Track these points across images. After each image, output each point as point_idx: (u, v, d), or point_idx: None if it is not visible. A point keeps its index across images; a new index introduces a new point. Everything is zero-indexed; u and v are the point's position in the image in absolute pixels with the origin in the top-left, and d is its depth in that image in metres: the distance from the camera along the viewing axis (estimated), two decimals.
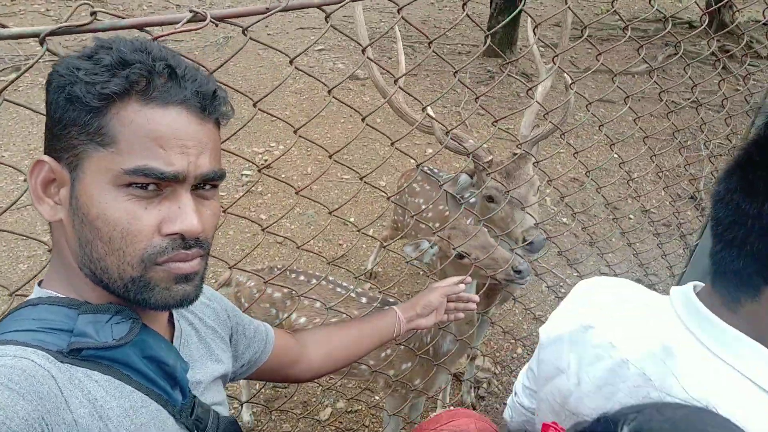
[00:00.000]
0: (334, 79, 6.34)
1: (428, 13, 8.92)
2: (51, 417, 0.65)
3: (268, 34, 7.46)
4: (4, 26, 0.70)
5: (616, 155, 2.45)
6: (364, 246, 4.06)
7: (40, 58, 0.76)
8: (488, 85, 6.50)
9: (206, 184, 0.81)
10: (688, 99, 5.98)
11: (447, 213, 2.73)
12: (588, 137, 5.67)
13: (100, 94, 0.70)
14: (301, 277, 2.41)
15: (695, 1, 3.61)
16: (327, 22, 1.06)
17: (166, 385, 0.84)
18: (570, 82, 1.95)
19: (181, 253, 0.77)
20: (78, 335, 0.74)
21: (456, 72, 1.54)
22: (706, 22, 2.15)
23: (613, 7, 1.74)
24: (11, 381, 0.63)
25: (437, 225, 2.76)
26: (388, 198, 1.76)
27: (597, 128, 5.79)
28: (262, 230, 1.45)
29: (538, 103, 2.01)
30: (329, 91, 1.32)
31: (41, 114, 0.78)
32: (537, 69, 2.15)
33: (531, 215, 2.00)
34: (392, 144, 1.53)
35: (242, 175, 4.66)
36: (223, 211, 1.35)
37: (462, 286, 1.59)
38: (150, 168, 0.72)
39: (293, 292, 2.29)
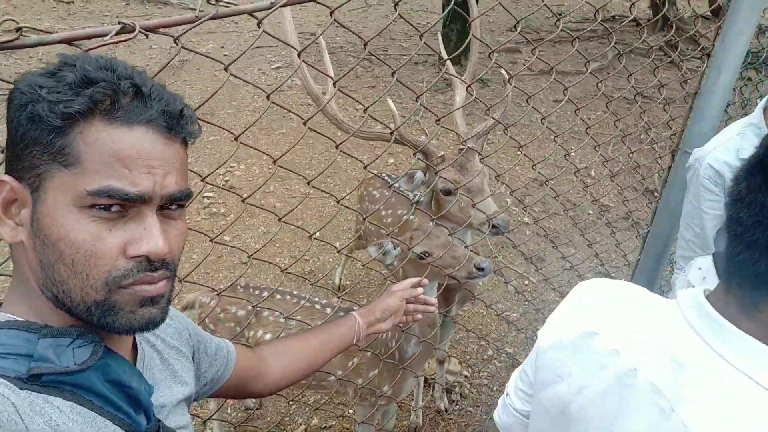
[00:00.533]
0: (291, 96, 6.36)
1: (382, 25, 9.01)
2: None
3: (225, 55, 7.45)
4: None
5: (560, 147, 2.50)
6: (330, 260, 4.07)
7: None
8: (445, 93, 6.60)
9: (172, 204, 0.79)
10: (637, 93, 6.16)
11: (406, 218, 2.76)
12: (545, 137, 5.79)
13: (63, 113, 0.68)
14: (264, 293, 2.40)
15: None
16: (259, 28, 1.08)
17: (130, 409, 0.81)
18: (508, 77, 2.02)
19: (146, 276, 0.75)
20: (38, 360, 0.71)
21: (394, 72, 1.55)
22: (654, 19, 2.24)
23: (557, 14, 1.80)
24: None
25: (397, 230, 2.79)
26: (338, 201, 1.76)
27: (552, 126, 5.92)
28: (249, 257, 1.44)
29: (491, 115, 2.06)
30: (268, 96, 1.30)
31: None
32: (452, 81, 2.24)
33: (491, 202, 2.08)
34: (337, 146, 1.52)
35: (204, 197, 4.63)
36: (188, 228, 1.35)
37: (420, 288, 1.61)
38: (114, 189, 0.70)
39: (257, 309, 2.31)
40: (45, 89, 0.68)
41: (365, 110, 1.63)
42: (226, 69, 1.13)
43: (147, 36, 0.91)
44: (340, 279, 3.84)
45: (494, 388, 3.21)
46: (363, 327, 1.51)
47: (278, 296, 2.38)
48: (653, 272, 2.64)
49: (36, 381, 0.70)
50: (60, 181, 0.70)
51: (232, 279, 3.83)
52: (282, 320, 2.30)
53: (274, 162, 1.40)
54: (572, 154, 2.92)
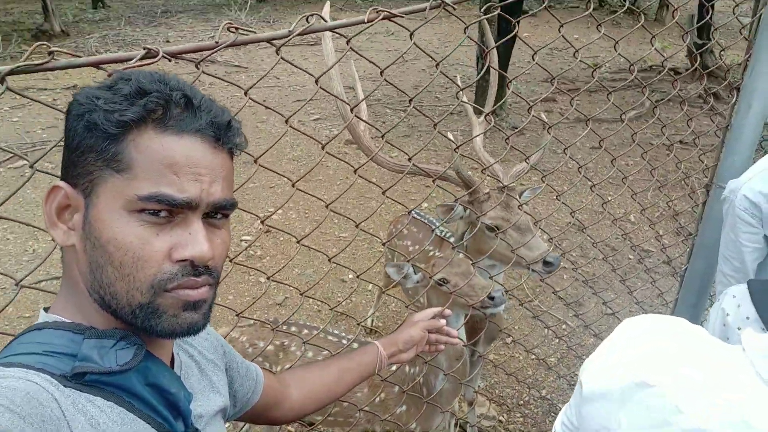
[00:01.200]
0: (330, 146, 6.54)
1: (420, 79, 9.26)
2: None
3: (266, 107, 7.75)
4: None
5: (597, 195, 2.52)
6: (363, 302, 4.07)
7: (1, 94, 0.82)
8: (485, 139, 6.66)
9: (218, 212, 0.81)
10: (680, 140, 6.10)
11: (430, 254, 2.77)
12: (582, 183, 5.74)
13: (118, 121, 0.72)
14: (293, 328, 2.42)
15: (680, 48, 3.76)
16: (278, 54, 1.10)
17: (168, 414, 0.82)
18: (547, 127, 2.07)
19: (190, 280, 0.77)
20: (82, 360, 0.73)
21: (435, 124, 1.63)
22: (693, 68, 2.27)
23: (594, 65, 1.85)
24: (14, 403, 0.63)
25: (423, 266, 2.79)
26: (384, 243, 1.82)
27: (590, 172, 5.87)
28: (268, 278, 1.49)
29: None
30: (323, 147, 1.39)
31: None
32: (471, 124, 2.29)
33: (540, 239, 2.09)
34: (383, 192, 1.58)
35: (241, 240, 4.74)
36: (230, 260, 1.38)
37: (443, 320, 1.61)
38: (163, 194, 0.73)
39: (284, 344, 2.33)
40: (102, 100, 0.73)
41: (410, 159, 1.73)
42: (286, 121, 1.25)
43: (170, 60, 0.95)
44: (372, 320, 3.82)
45: None
46: (385, 357, 1.50)
47: (305, 331, 2.40)
48: (694, 309, 2.55)
49: (79, 380, 0.72)
50: (112, 186, 0.74)
51: (266, 318, 3.87)
52: (310, 355, 2.31)
53: (327, 206, 1.47)
54: (610, 200, 2.91)
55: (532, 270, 2.07)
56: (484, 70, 1.64)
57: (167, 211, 0.75)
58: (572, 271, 4.38)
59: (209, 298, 0.82)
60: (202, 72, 1.03)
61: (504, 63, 6.99)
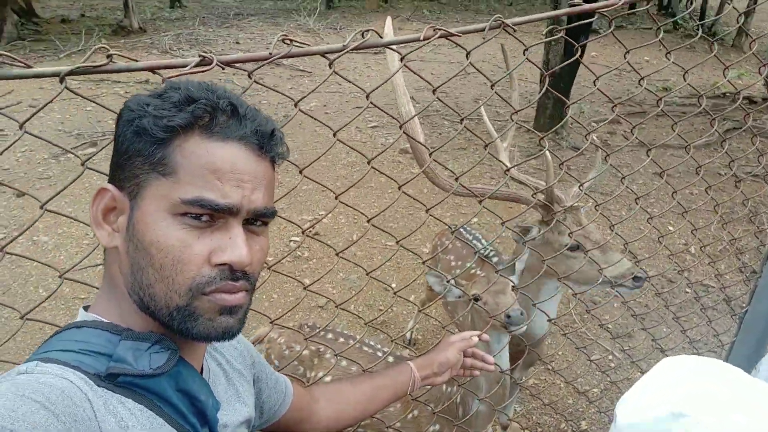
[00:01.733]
0: (385, 154, 6.56)
1: (481, 92, 9.18)
2: None
3: (326, 113, 7.87)
4: (29, 66, 0.80)
5: (654, 228, 2.42)
6: (404, 312, 4.05)
7: (58, 95, 0.86)
8: (538, 159, 6.53)
9: (257, 219, 0.83)
10: (750, 173, 5.79)
11: (472, 271, 2.72)
12: (641, 212, 5.53)
13: (165, 126, 0.75)
14: (329, 335, 2.43)
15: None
16: (330, 68, 1.11)
17: (196, 421, 0.82)
18: (604, 155, 2.01)
19: (228, 284, 0.78)
20: (117, 360, 0.74)
21: (486, 146, 1.61)
22: None
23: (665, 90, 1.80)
24: (48, 400, 0.64)
25: (464, 282, 2.74)
26: (423, 262, 1.81)
27: (651, 198, 5.66)
28: (304, 288, 1.50)
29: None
30: (369, 162, 1.40)
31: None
32: (498, 151, 2.23)
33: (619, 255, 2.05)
34: (427, 210, 1.58)
35: (290, 241, 4.81)
36: (268, 267, 1.41)
37: (475, 339, 1.57)
38: (206, 199, 0.75)
39: (320, 350, 2.33)
40: (151, 106, 0.76)
41: (457, 179, 1.68)
42: (334, 135, 1.29)
43: (223, 69, 0.97)
44: (412, 333, 3.79)
45: None
46: (418, 379, 1.47)
47: (341, 339, 2.40)
48: (753, 353, 2.40)
49: (113, 380, 0.74)
50: (157, 189, 0.76)
51: (305, 321, 3.90)
52: (344, 364, 2.31)
53: (369, 221, 1.47)
54: (671, 231, 2.78)
55: (620, 286, 2.01)
56: (543, 90, 1.60)
57: (209, 215, 0.76)
58: (623, 302, 4.22)
59: (245, 304, 0.83)
60: (255, 82, 1.05)
61: (568, 82, 6.84)
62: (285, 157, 0.88)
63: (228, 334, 0.81)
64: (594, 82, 1.72)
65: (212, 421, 0.85)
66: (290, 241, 4.82)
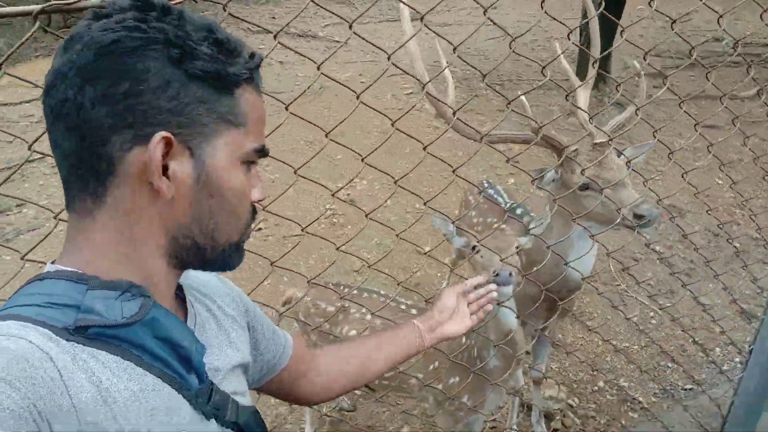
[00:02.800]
0: (419, 118, 6.49)
1: (520, 52, 8.90)
2: (44, 403, 0.61)
3: (361, 83, 7.83)
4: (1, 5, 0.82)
5: (724, 177, 2.30)
6: (438, 274, 4.04)
7: (32, 35, 0.86)
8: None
9: None
10: None
11: (496, 226, 2.68)
12: (688, 164, 5.30)
13: (236, 78, 0.77)
14: (354, 291, 2.45)
15: None
16: (388, 60, 1.14)
17: (181, 367, 0.78)
18: (637, 108, 1.93)
19: (255, 216, 0.88)
20: (85, 311, 0.70)
21: (509, 102, 1.59)
22: None
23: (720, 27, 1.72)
24: (1, 368, 0.60)
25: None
26: (453, 222, 1.79)
27: (696, 155, 5.40)
28: (337, 249, 1.54)
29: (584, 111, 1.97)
30: (393, 123, 1.43)
31: None
32: (570, 80, 2.14)
33: (633, 193, 1.96)
34: (453, 171, 1.58)
35: (326, 208, 4.86)
36: (302, 229, 1.48)
37: (470, 282, 1.53)
38: (265, 147, 0.85)
39: (344, 306, 2.36)
40: (202, 46, 0.74)
41: (482, 139, 1.71)
42: (357, 97, 1.31)
43: (195, 1, 0.98)
44: None
45: (602, 422, 2.94)
46: (425, 330, 1.43)
47: (365, 294, 2.42)
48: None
49: (82, 333, 0.69)
50: (229, 139, 0.78)
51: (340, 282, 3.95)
52: (368, 318, 2.33)
53: (396, 182, 1.51)
54: (719, 182, 2.66)
55: (624, 225, 1.94)
56: (582, 41, 1.53)
57: None
58: (668, 253, 4.08)
59: None
60: (229, 14, 1.04)
61: (610, 34, 6.54)
62: None
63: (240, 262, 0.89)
64: (620, 33, 1.64)
65: (198, 366, 0.82)
66: (326, 207, 4.87)
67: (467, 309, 1.48)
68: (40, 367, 0.62)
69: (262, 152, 0.84)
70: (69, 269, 0.74)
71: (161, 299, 0.80)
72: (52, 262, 0.78)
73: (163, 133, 0.71)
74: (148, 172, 0.72)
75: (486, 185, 3.10)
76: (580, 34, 7.31)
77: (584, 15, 6.65)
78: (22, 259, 1.13)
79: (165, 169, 0.74)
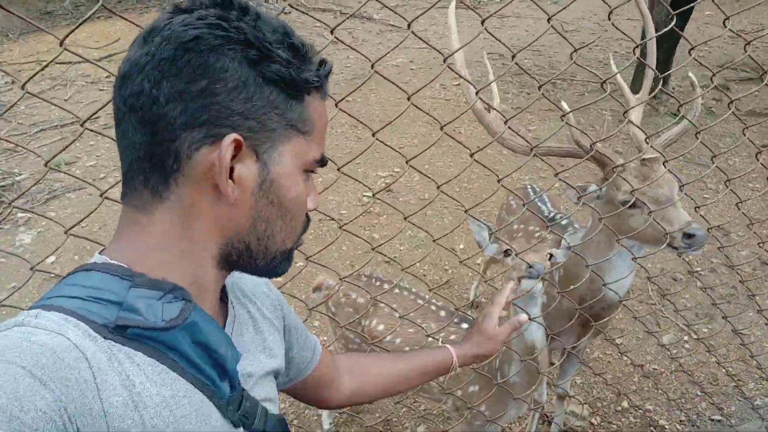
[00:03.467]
0: (466, 112, 6.39)
1: (578, 52, 8.65)
2: (75, 406, 0.59)
3: (411, 69, 7.75)
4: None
5: (744, 215, 2.19)
6: (470, 273, 4.00)
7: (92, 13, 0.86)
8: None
9: None
10: None
11: (537, 234, 2.62)
12: (742, 186, 5.07)
13: (308, 84, 0.76)
14: (385, 286, 2.45)
15: None
16: (444, 60, 1.10)
17: (214, 374, 0.77)
18: (697, 130, 1.84)
19: (308, 225, 0.88)
20: (127, 309, 0.69)
21: (563, 115, 1.53)
22: None
23: None
24: (37, 365, 0.58)
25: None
26: (492, 233, 1.75)
27: (750, 175, 5.17)
28: (372, 249, 1.51)
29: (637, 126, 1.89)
30: (441, 128, 1.39)
31: None
32: (625, 96, 2.04)
33: (682, 211, 1.87)
34: (499, 180, 1.55)
35: (363, 195, 4.85)
36: (340, 227, 1.47)
37: (507, 292, 1.50)
38: (324, 157, 0.83)
39: (375, 298, 2.35)
40: (282, 51, 0.73)
41: (532, 150, 1.61)
42: (408, 99, 1.30)
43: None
44: (475, 294, 3.75)
45: None
46: (456, 363, 1.40)
47: (396, 290, 2.41)
48: None
49: (121, 332, 0.68)
50: (295, 146, 0.77)
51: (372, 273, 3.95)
52: (397, 315, 2.32)
53: (438, 187, 1.47)
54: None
55: (672, 246, 1.84)
56: (641, 48, 1.45)
57: None
58: (702, 288, 3.94)
59: None
60: (335, 38, 1.03)
61: (673, 43, 6.29)
62: None
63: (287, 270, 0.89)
64: (689, 51, 1.55)
65: (232, 374, 0.80)
66: (363, 195, 4.87)
67: (500, 330, 1.46)
68: (75, 368, 0.61)
69: (323, 162, 0.83)
70: (116, 263, 0.73)
71: (203, 301, 0.79)
72: (100, 252, 0.77)
73: (235, 135, 0.70)
74: (215, 173, 0.71)
75: (530, 191, 3.03)
76: (642, 38, 7.06)
77: (651, 9, 6.39)
78: (65, 233, 1.15)
79: (231, 172, 0.72)
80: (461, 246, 4.22)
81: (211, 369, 0.76)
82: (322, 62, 0.79)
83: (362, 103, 6.69)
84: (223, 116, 0.70)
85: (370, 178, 5.13)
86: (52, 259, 4.15)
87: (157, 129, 0.70)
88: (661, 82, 6.03)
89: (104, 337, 0.66)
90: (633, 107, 1.96)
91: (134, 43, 0.72)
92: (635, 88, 6.87)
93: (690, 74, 1.99)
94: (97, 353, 0.64)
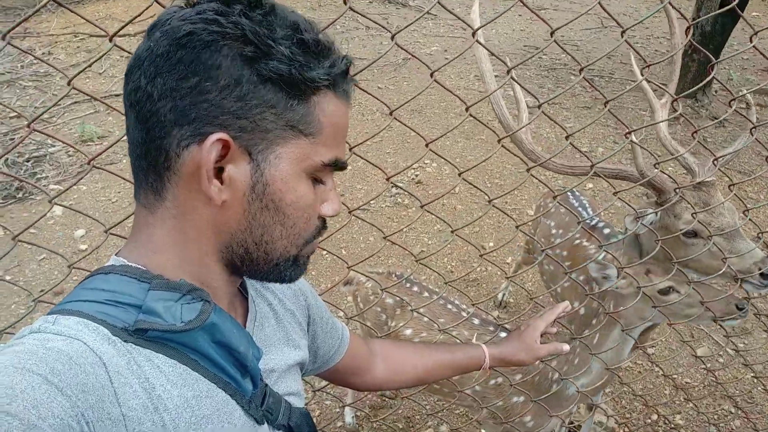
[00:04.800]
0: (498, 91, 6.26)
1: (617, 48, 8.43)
2: (93, 413, 0.59)
3: (445, 58, 7.63)
4: None
5: None
6: (498, 272, 3.92)
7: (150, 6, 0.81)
8: (671, 126, 5.93)
9: None
10: None
11: (576, 242, 2.52)
12: None
13: (314, 82, 0.70)
14: (414, 288, 2.38)
15: None
16: (473, 37, 1.04)
17: (236, 373, 0.77)
18: (753, 126, 1.71)
19: (322, 233, 0.83)
20: (146, 312, 0.68)
21: (607, 102, 1.43)
22: None
23: None
24: (53, 372, 0.58)
25: (565, 254, 2.55)
26: (517, 227, 1.66)
27: None
28: (384, 238, 1.45)
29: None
30: (467, 109, 1.31)
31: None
32: (651, 106, 1.90)
33: (752, 244, 1.77)
34: (528, 170, 1.47)
35: (392, 186, 4.79)
36: (385, 237, 1.41)
37: (559, 311, 1.43)
38: (340, 160, 0.77)
39: (404, 301, 2.29)
40: (281, 46, 0.67)
41: (567, 137, 1.46)
42: (431, 75, 1.18)
43: None
44: (503, 295, 3.67)
45: None
46: (488, 366, 1.38)
47: (426, 294, 2.34)
48: None
49: (141, 335, 0.67)
50: (297, 149, 0.72)
51: (398, 267, 3.90)
52: (426, 320, 2.26)
53: (460, 174, 1.39)
54: None
55: (745, 282, 1.76)
56: (686, 45, 1.33)
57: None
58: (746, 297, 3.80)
59: None
60: (350, 8, 0.96)
61: (719, 42, 6.07)
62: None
63: (302, 275, 0.84)
64: (750, 38, 1.44)
65: (254, 371, 0.80)
66: (392, 186, 4.80)
67: (539, 346, 1.40)
68: (92, 373, 0.61)
69: (336, 166, 0.77)
70: (134, 265, 0.73)
71: (219, 301, 0.79)
72: (117, 254, 0.76)
73: (220, 135, 0.67)
74: (198, 173, 0.69)
75: (570, 195, 2.92)
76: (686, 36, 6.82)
77: (698, 9, 6.16)
78: (106, 232, 1.10)
79: (221, 173, 0.70)
80: (490, 243, 4.13)
81: (233, 368, 0.76)
82: (341, 59, 0.73)
83: (394, 90, 6.60)
84: (212, 114, 0.67)
85: (399, 168, 5.06)
86: (81, 232, 4.17)
87: (150, 125, 0.68)
88: (704, 84, 5.84)
89: (124, 341, 0.66)
90: (655, 123, 1.81)
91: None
92: (677, 89, 6.67)
93: (746, 95, 1.83)
94: (116, 357, 0.64)
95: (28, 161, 4.89)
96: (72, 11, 0.93)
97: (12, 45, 0.90)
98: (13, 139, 5.23)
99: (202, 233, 0.74)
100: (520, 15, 9.53)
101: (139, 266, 0.73)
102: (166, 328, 0.68)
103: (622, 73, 7.35)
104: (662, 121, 1.85)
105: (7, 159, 4.88)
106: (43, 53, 7.23)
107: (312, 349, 1.09)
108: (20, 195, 4.52)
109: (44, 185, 4.63)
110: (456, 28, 8.73)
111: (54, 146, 5.15)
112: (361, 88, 1.13)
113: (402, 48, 1.14)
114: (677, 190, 1.72)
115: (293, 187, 0.73)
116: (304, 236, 0.78)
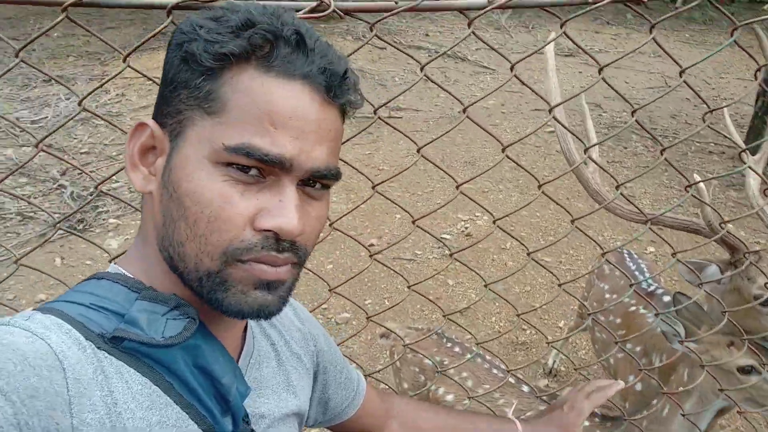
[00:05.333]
0: (561, 161, 6.12)
1: (680, 108, 8.20)
2: (39, 420, 0.54)
3: (502, 112, 7.59)
4: None
5: None
6: (550, 337, 3.70)
7: (163, 28, 0.81)
8: (740, 191, 5.62)
9: (317, 181, 0.69)
10: None
11: (631, 309, 2.32)
12: None
13: (217, 54, 0.62)
14: (456, 348, 2.24)
15: None
16: (469, 28, 1.00)
17: (215, 407, 0.68)
18: None
19: (270, 255, 0.65)
20: (128, 322, 0.63)
21: (663, 150, 1.33)
22: None
23: None
24: (1, 372, 0.53)
25: (619, 321, 2.36)
26: (560, 285, 1.55)
27: None
28: (408, 287, 1.39)
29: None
30: (503, 149, 1.23)
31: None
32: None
33: None
34: (572, 221, 1.37)
35: (442, 237, 4.68)
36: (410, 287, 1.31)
37: (611, 392, 1.26)
38: (254, 147, 0.62)
39: (443, 362, 2.15)
40: (204, 29, 0.63)
41: (617, 187, 1.40)
42: (464, 110, 1.10)
43: (341, 17, 0.86)
44: (554, 362, 3.44)
45: None
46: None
47: (468, 355, 2.19)
48: None
49: (117, 344, 0.63)
50: (200, 131, 0.64)
51: (444, 322, 3.74)
52: (470, 384, 2.10)
53: (494, 222, 1.34)
54: None
55: None
56: (759, 109, 1.22)
57: (258, 168, 0.63)
58: None
59: (289, 280, 0.69)
60: (375, 35, 0.92)
61: None
62: (358, 106, 0.71)
63: (264, 313, 0.68)
64: None
65: (236, 409, 0.70)
66: (441, 235, 4.69)
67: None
68: (47, 377, 0.56)
69: (247, 154, 0.62)
70: (127, 274, 0.70)
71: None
72: (115, 262, 0.74)
73: (141, 120, 0.69)
74: None
75: (627, 257, 2.74)
76: (757, 99, 6.56)
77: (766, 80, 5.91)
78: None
79: (148, 162, 0.70)
80: (539, 303, 3.93)
81: (212, 400, 0.68)
82: (248, 25, 0.63)
83: (448, 142, 6.58)
84: (156, 106, 0.69)
85: (449, 219, 4.97)
86: None
87: None
88: None
89: (97, 347, 0.61)
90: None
91: None
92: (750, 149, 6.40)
93: None
94: (82, 364, 0.59)
95: (90, 194, 5.08)
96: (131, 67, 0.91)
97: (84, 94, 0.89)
98: (81, 174, 5.46)
99: (148, 232, 0.71)
100: (580, 72, 9.45)
101: (133, 276, 0.70)
102: (144, 341, 0.62)
103: (687, 133, 7.09)
104: (742, 170, 1.68)
105: (73, 192, 5.09)
106: (117, 95, 7.64)
107: (323, 400, 1.01)
108: (81, 227, 4.67)
109: (103, 219, 4.78)
110: (513, 83, 8.70)
111: (117, 182, 5.34)
112: (391, 126, 1.07)
113: (430, 79, 1.10)
114: (754, 253, 1.55)
115: (189, 174, 0.64)
116: (215, 244, 0.64)
